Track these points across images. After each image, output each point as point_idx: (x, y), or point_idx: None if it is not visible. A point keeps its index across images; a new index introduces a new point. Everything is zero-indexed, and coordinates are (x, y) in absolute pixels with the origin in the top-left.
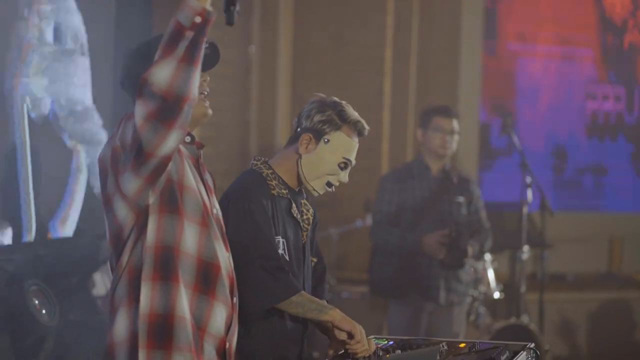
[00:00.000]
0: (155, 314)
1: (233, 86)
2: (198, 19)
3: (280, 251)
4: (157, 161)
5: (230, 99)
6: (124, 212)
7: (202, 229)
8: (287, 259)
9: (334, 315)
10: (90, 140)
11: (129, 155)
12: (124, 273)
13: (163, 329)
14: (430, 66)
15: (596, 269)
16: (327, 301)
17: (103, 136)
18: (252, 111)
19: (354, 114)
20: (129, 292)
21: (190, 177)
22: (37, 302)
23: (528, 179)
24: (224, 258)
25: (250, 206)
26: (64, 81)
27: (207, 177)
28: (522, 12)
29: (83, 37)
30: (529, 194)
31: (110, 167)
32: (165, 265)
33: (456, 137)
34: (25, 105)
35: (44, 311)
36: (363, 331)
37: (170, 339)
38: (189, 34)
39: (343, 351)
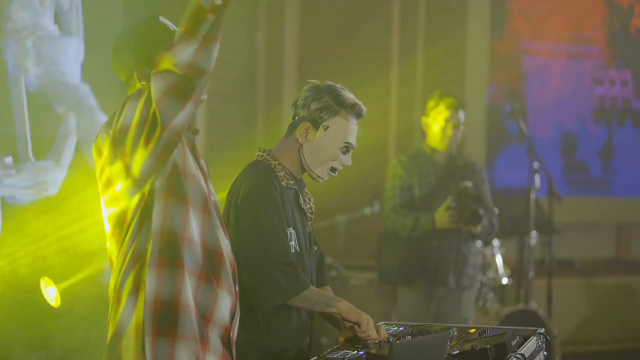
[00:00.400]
0: (161, 302)
1: (240, 73)
2: (219, 1)
3: (292, 243)
4: (170, 135)
5: (238, 86)
6: (130, 197)
7: (205, 217)
8: (298, 249)
9: (342, 307)
10: (79, 106)
11: (139, 133)
12: (127, 260)
13: (168, 316)
14: (438, 53)
15: (604, 255)
16: (329, 287)
17: (93, 102)
18: (259, 98)
19: (350, 97)
20: (135, 279)
21: (192, 164)
22: (46, 293)
23: (536, 165)
24: (226, 246)
25: (263, 201)
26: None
27: (203, 163)
28: None
29: (76, 18)
30: (537, 179)
31: (112, 151)
32: (171, 252)
33: (462, 128)
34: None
35: (52, 302)
36: (371, 321)
37: (175, 327)
38: (211, 17)
39: (353, 336)
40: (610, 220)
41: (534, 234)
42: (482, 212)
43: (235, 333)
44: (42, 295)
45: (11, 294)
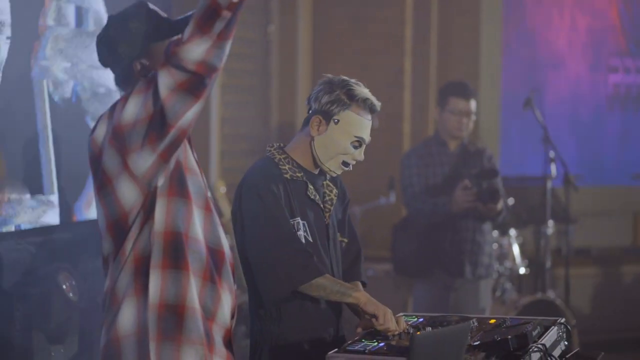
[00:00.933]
0: (165, 304)
1: (254, 66)
2: None
3: (302, 233)
4: (175, 134)
5: (251, 78)
6: (131, 195)
7: (207, 214)
8: (311, 240)
9: (359, 297)
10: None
11: (142, 130)
12: (127, 261)
13: (173, 320)
14: (451, 43)
15: (621, 243)
16: (364, 283)
17: None
18: (273, 91)
19: (362, 91)
20: (135, 281)
21: (192, 159)
22: (64, 286)
23: (551, 154)
24: (226, 243)
25: (259, 191)
26: (86, 64)
27: (195, 154)
28: None
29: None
30: (553, 168)
31: (111, 147)
32: (175, 252)
33: (473, 117)
34: (46, 89)
35: (71, 294)
36: (389, 312)
37: (180, 331)
38: (226, 14)
39: (372, 326)
40: (627, 208)
41: (550, 223)
42: (500, 188)
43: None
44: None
45: None
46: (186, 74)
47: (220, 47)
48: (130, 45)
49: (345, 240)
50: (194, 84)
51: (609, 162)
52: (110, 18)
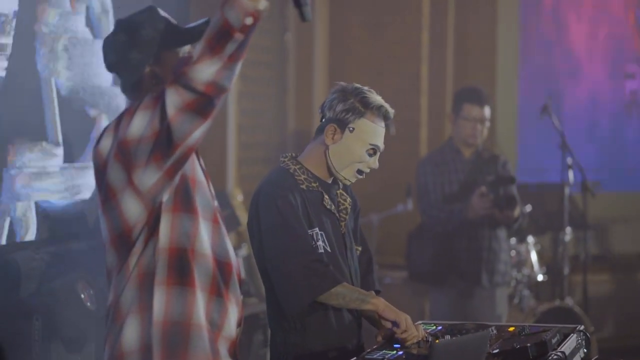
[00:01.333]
0: (170, 322)
1: (271, 74)
2: (249, 21)
3: (320, 243)
4: (182, 152)
5: (268, 86)
6: (135, 210)
7: (215, 226)
8: (329, 250)
9: (377, 304)
10: (110, 109)
11: (147, 147)
12: (132, 277)
13: (179, 337)
14: (468, 49)
15: (639, 249)
16: (378, 291)
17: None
18: (289, 98)
19: (376, 99)
20: (140, 297)
21: (199, 170)
22: (83, 295)
23: (569, 160)
24: (234, 255)
25: (277, 202)
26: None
27: (202, 161)
28: None
29: (107, 21)
30: (570, 175)
31: (116, 161)
32: (180, 269)
33: (487, 124)
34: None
35: (89, 303)
36: (409, 319)
37: (186, 348)
38: (239, 37)
39: (392, 335)
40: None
41: (568, 229)
42: (516, 195)
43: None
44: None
45: None
46: (195, 94)
47: (231, 69)
48: (141, 52)
49: (359, 248)
50: (203, 104)
51: (627, 168)
52: (119, 23)
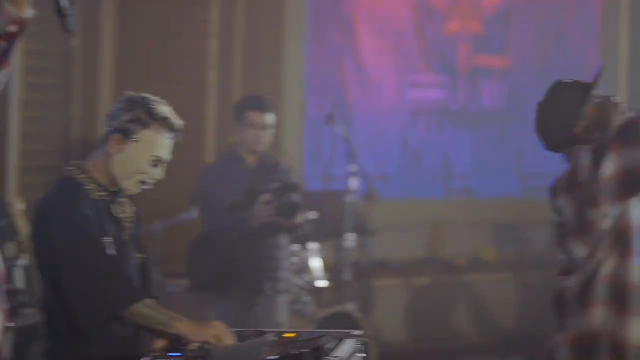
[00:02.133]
0: None
1: (56, 81)
2: (13, 28)
3: (110, 252)
4: None
5: (53, 93)
6: None
7: None
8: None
9: (184, 329)
10: None
11: None
12: None
13: None
14: (256, 58)
15: (419, 255)
16: (157, 298)
17: None
18: (75, 106)
19: (163, 110)
20: None
21: None
22: None
23: (353, 168)
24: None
25: (72, 216)
26: None
27: None
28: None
29: None
30: (354, 182)
31: None
32: None
33: (271, 131)
34: None
35: None
36: (223, 327)
37: None
38: (2, 44)
39: (171, 344)
40: (424, 219)
41: (350, 236)
42: (300, 202)
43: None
44: None
45: None
46: None
47: None
48: None
49: (142, 256)
50: None
51: (414, 176)
52: None
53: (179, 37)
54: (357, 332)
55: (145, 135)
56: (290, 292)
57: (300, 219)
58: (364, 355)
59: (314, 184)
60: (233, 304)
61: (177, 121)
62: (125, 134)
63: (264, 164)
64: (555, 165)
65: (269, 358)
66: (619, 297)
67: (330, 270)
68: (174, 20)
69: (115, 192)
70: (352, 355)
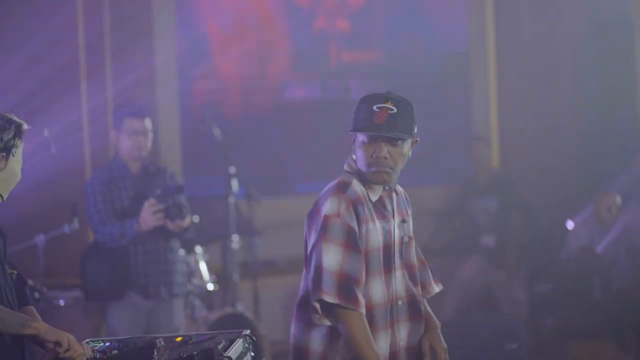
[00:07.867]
0: None
1: None
2: None
3: None
4: None
5: None
6: None
7: None
8: None
9: (39, 327)
10: None
11: None
12: None
13: None
14: (127, 66)
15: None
16: (35, 306)
17: None
18: None
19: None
20: None
21: None
22: None
23: (232, 170)
24: None
25: None
26: None
27: None
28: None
29: None
30: (234, 183)
31: None
32: None
33: (150, 135)
34: None
35: None
36: (71, 338)
37: None
38: None
39: (57, 358)
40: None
41: (235, 237)
42: (186, 203)
43: None
44: None
45: None
46: None
47: None
48: None
49: (15, 272)
50: None
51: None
52: None
53: (42, 59)
54: (246, 332)
55: (19, 148)
56: (184, 295)
57: (187, 220)
58: (254, 354)
59: (194, 188)
60: (129, 310)
61: (26, 126)
62: (7, 150)
63: (148, 169)
64: None
65: None
66: None
67: (217, 273)
68: (40, 43)
69: None
70: (242, 354)
